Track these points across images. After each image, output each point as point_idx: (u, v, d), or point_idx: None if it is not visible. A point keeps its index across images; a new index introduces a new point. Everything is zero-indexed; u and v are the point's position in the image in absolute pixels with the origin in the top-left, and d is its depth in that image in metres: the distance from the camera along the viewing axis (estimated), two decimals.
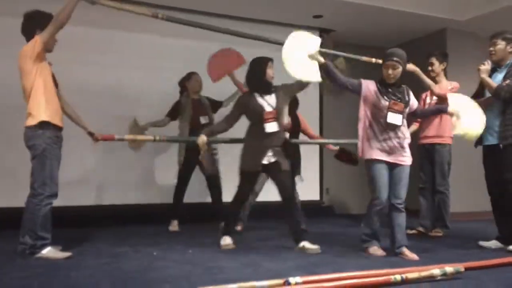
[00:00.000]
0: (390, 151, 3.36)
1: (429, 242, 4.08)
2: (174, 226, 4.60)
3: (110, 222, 4.73)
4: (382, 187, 3.34)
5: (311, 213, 4.63)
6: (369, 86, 3.41)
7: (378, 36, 6.42)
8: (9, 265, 2.93)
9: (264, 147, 3.55)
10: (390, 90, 3.39)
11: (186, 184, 4.66)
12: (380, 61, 4.30)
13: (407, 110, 3.43)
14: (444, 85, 4.40)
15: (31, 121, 3.15)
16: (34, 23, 3.23)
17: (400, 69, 3.35)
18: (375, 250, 3.44)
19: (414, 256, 3.30)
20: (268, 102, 3.58)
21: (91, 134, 3.60)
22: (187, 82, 4.68)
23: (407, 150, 3.42)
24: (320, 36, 6.24)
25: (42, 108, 3.14)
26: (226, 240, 3.63)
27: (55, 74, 3.34)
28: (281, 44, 3.48)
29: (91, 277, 2.69)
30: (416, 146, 4.61)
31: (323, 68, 3.35)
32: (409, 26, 6.02)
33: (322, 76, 3.38)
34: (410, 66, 4.12)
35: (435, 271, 2.65)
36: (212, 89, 4.69)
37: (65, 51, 3.55)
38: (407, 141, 3.42)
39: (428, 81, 4.29)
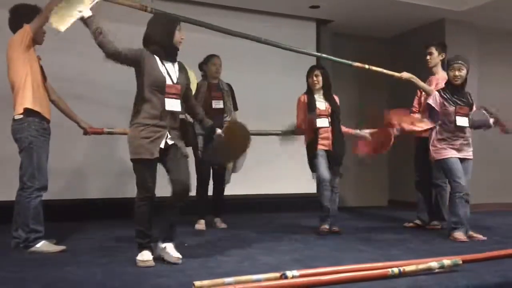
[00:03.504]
0: (459, 149, 3.77)
1: (426, 235, 4.07)
2: (201, 224, 4.29)
3: (105, 216, 4.69)
4: (461, 176, 3.70)
5: (307, 206, 4.62)
6: (437, 100, 3.77)
7: (377, 26, 6.37)
8: (3, 259, 2.91)
9: (161, 127, 2.82)
10: (455, 95, 3.76)
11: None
12: (374, 68, 4.32)
13: (472, 112, 3.82)
14: (441, 77, 4.36)
15: (17, 110, 3.14)
16: (20, 17, 3.21)
17: (465, 71, 3.74)
18: (461, 236, 3.68)
19: (480, 236, 3.80)
20: (169, 72, 2.87)
21: (82, 128, 3.60)
22: (205, 66, 4.43)
23: (471, 146, 3.85)
24: (317, 27, 6.19)
25: (28, 97, 3.12)
26: (145, 256, 2.80)
27: (44, 68, 3.31)
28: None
29: (86, 270, 2.67)
30: (414, 138, 4.60)
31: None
32: (407, 17, 5.98)
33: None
34: (405, 74, 4.19)
35: (433, 263, 2.63)
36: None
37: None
38: (471, 138, 3.85)
39: (426, 86, 4.24)
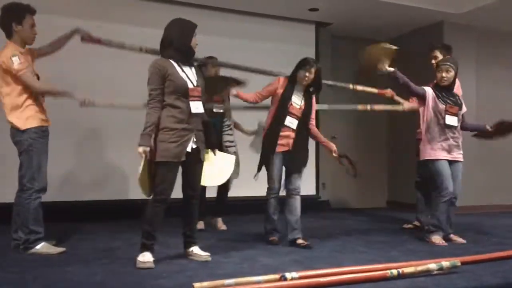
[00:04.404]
0: (448, 149, 3.76)
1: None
2: (199, 225, 4.16)
3: (105, 217, 4.69)
4: (448, 180, 3.68)
5: (307, 208, 4.61)
6: (429, 92, 3.79)
7: (376, 28, 6.38)
8: (3, 260, 2.91)
9: (188, 130, 2.89)
10: (444, 94, 3.78)
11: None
12: (384, 92, 4.35)
13: (461, 112, 3.82)
14: None
15: (16, 124, 3.11)
16: (10, 16, 3.17)
17: (453, 73, 3.76)
18: (438, 240, 3.66)
19: (461, 240, 3.78)
20: (188, 76, 2.94)
21: (79, 33, 3.51)
22: (204, 69, 4.31)
23: (461, 147, 3.83)
24: (316, 30, 6.20)
25: (26, 117, 3.10)
26: (146, 257, 2.81)
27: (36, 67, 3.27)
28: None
29: (86, 270, 2.68)
30: (415, 140, 4.60)
31: (392, 76, 3.62)
32: (406, 19, 5.99)
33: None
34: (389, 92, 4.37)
35: (432, 265, 2.64)
36: None
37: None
38: (461, 140, 3.83)
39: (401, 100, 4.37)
